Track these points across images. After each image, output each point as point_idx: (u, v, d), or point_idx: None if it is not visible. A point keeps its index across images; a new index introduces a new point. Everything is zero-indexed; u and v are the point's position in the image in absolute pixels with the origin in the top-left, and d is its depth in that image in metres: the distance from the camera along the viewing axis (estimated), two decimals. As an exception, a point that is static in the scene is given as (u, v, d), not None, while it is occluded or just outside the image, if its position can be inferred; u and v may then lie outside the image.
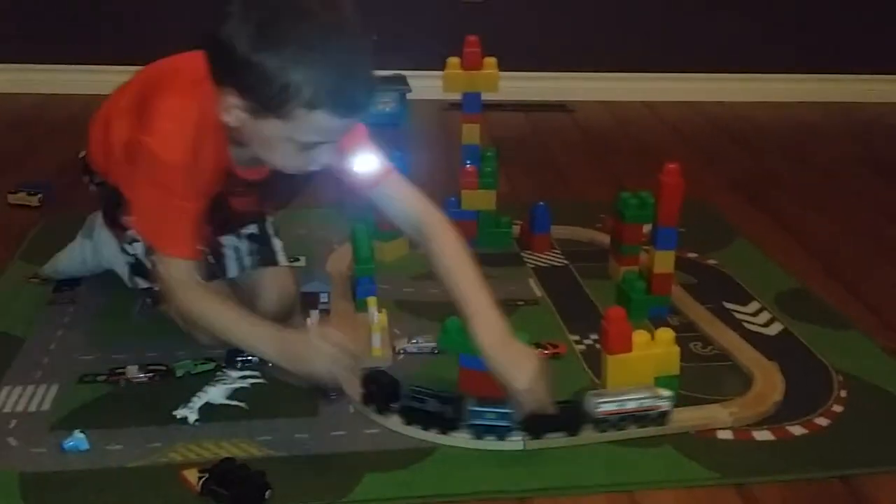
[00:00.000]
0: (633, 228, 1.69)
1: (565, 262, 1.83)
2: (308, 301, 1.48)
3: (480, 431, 1.21)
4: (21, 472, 1.14)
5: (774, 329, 1.57)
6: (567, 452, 1.21)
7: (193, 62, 1.21)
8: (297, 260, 1.73)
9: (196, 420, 1.25)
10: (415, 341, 1.46)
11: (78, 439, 1.19)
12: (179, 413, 1.25)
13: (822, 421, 1.30)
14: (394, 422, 1.24)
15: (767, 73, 3.24)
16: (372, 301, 1.48)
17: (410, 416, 1.23)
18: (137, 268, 1.44)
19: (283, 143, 1.17)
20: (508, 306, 1.61)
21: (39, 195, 2.04)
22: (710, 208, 2.13)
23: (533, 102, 3.07)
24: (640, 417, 1.24)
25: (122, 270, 1.51)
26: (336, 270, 1.72)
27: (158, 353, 1.42)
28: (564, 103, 3.12)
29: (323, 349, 1.17)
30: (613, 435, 1.23)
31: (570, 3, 3.09)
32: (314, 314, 1.45)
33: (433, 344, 1.44)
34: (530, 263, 1.82)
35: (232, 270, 1.50)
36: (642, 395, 1.24)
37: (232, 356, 1.40)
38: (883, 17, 3.21)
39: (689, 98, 3.15)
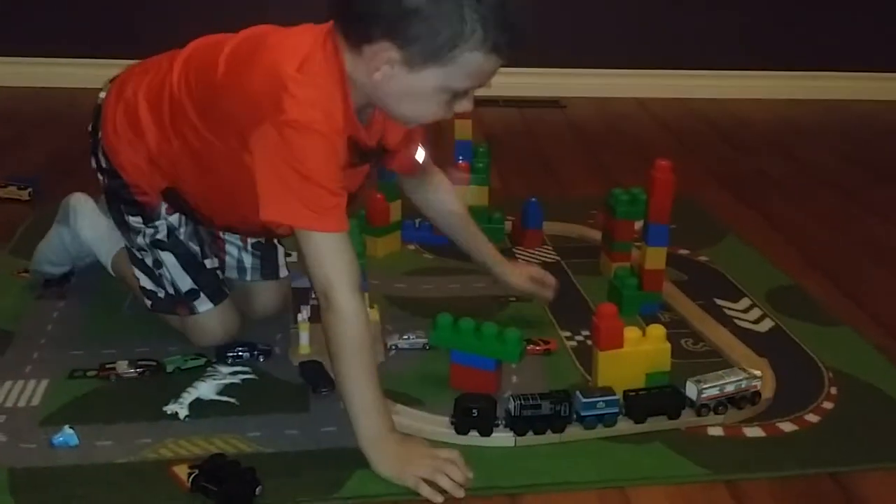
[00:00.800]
0: (624, 225, 1.70)
1: (557, 258, 1.83)
2: (299, 296, 1.47)
3: (592, 423, 1.22)
4: (10, 467, 1.13)
5: (765, 326, 1.57)
6: (557, 449, 1.21)
7: (281, 36, 1.18)
8: (290, 255, 1.72)
9: (186, 416, 1.24)
10: (406, 337, 1.46)
11: (67, 435, 1.18)
12: (169, 409, 1.25)
13: (813, 418, 1.30)
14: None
15: (757, 71, 3.25)
16: (363, 297, 1.47)
17: (524, 427, 1.20)
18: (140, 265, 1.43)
19: (436, 93, 1.14)
20: (500, 302, 1.62)
21: (29, 189, 2.03)
22: (700, 205, 2.14)
23: (525, 98, 3.07)
24: (737, 399, 1.27)
25: (105, 258, 1.51)
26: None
27: (149, 349, 1.42)
28: (557, 99, 3.12)
29: (428, 458, 1.12)
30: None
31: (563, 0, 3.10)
32: (305, 309, 1.44)
33: (424, 340, 1.44)
34: (522, 259, 1.82)
35: (230, 273, 1.50)
36: (739, 378, 1.27)
37: (223, 352, 1.40)
38: (872, 15, 3.22)
39: (679, 95, 3.16)
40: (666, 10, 3.12)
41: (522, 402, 1.20)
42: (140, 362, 1.36)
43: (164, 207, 1.38)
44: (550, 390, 1.24)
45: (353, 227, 1.64)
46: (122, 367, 1.35)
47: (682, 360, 1.42)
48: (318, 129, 1.11)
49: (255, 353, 1.41)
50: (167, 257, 1.40)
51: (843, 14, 3.21)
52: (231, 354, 1.40)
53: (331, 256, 1.13)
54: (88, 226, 1.55)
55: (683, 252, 1.85)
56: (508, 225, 1.93)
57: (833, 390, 1.37)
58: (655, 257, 1.59)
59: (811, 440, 1.25)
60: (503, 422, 1.21)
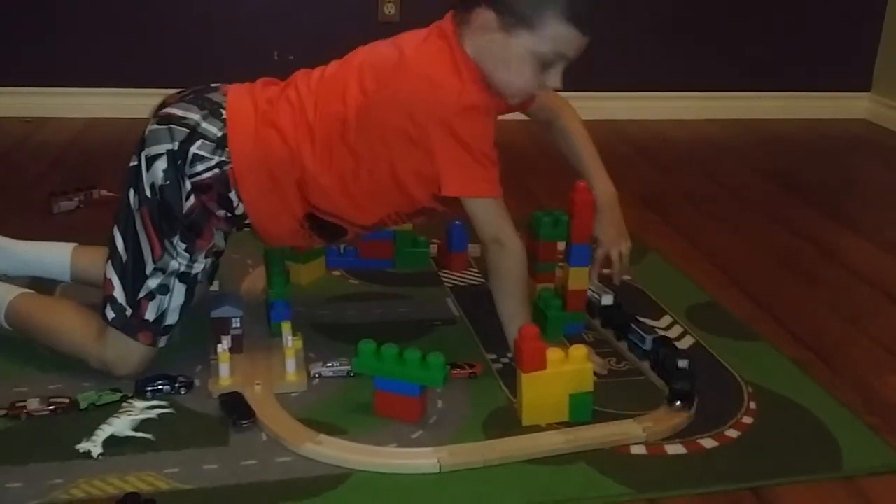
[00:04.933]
0: (547, 246, 1.71)
1: (482, 280, 1.83)
2: (219, 327, 1.44)
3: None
4: (-89, 515, 1.08)
5: (686, 342, 1.59)
6: (482, 473, 1.20)
7: (413, 46, 1.38)
8: (210, 283, 1.69)
9: (100, 454, 1.20)
10: (330, 365, 1.44)
11: (-27, 478, 1.13)
12: (82, 447, 1.21)
13: (733, 433, 1.32)
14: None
15: (678, 92, 3.32)
16: (286, 325, 1.45)
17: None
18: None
19: (527, 59, 1.34)
20: (425, 326, 1.61)
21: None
22: (624, 224, 2.16)
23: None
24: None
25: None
26: (250, 294, 1.70)
27: (62, 385, 1.37)
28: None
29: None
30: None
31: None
32: (225, 340, 1.41)
33: (348, 367, 1.42)
34: (448, 283, 1.82)
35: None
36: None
37: (141, 386, 1.36)
38: (787, 38, 3.33)
39: (602, 116, 3.20)
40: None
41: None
42: (52, 399, 1.32)
43: (205, 251, 1.42)
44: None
45: (276, 254, 1.64)
46: (34, 404, 1.31)
47: (605, 380, 1.43)
48: (479, 110, 1.34)
49: (177, 385, 1.37)
50: (179, 291, 1.41)
51: (760, 36, 3.31)
52: (151, 388, 1.36)
53: (500, 213, 1.40)
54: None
55: (606, 271, 1.87)
56: (434, 248, 1.93)
57: (752, 405, 1.40)
58: (578, 278, 1.60)
59: (732, 455, 1.27)
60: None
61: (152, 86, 1.43)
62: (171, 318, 1.42)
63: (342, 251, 1.86)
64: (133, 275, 1.39)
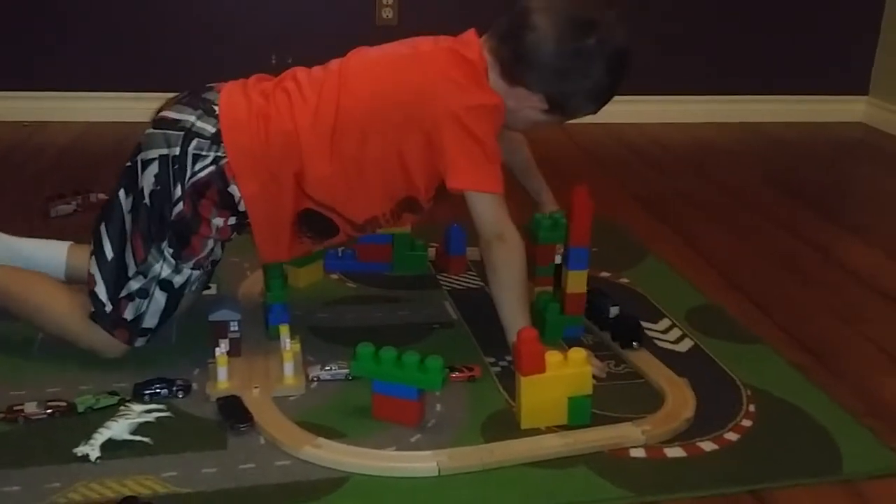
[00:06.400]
0: (546, 249, 1.70)
1: (481, 283, 1.83)
2: (217, 330, 1.44)
3: None
4: None
5: (685, 346, 1.59)
6: (481, 476, 1.20)
7: (426, 50, 1.44)
8: (209, 287, 1.68)
9: (98, 457, 1.20)
10: (328, 368, 1.44)
11: (-29, 482, 1.13)
12: (80, 450, 1.20)
13: (732, 436, 1.32)
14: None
15: (675, 95, 3.32)
16: (284, 329, 1.45)
17: None
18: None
19: (548, 123, 1.50)
20: (424, 329, 1.61)
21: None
22: (621, 228, 2.17)
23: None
24: None
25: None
26: (248, 297, 1.69)
27: (60, 389, 1.37)
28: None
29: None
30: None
31: (484, 27, 3.12)
32: (223, 343, 1.41)
33: (346, 370, 1.42)
34: (446, 286, 1.81)
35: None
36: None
37: (139, 390, 1.36)
38: (785, 42, 3.33)
39: (600, 120, 3.20)
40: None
41: None
42: (50, 403, 1.31)
43: (193, 261, 1.42)
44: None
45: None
46: (31, 408, 1.30)
47: (604, 383, 1.43)
48: (491, 108, 1.40)
49: (175, 388, 1.37)
50: (159, 297, 1.42)
51: (758, 40, 3.31)
52: (148, 392, 1.36)
53: (503, 210, 1.42)
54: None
55: (605, 274, 1.87)
56: (432, 252, 1.93)
57: (751, 408, 1.39)
58: (576, 281, 1.60)
59: (731, 458, 1.27)
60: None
61: (150, 90, 1.43)
62: (150, 322, 1.43)
63: (340, 254, 1.86)
64: (116, 274, 1.40)
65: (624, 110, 3.22)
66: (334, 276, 1.84)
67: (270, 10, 2.99)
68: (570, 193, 1.57)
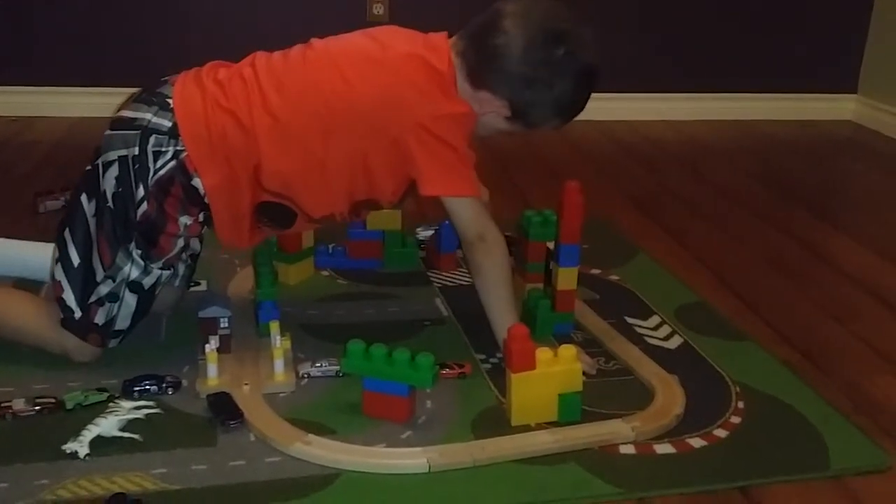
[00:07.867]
0: (536, 246, 1.71)
1: (471, 280, 1.82)
2: (207, 327, 1.43)
3: None
4: None
5: (674, 342, 1.60)
6: (472, 473, 1.20)
7: (399, 50, 1.41)
8: (198, 284, 1.68)
9: (87, 454, 1.19)
10: (318, 365, 1.44)
11: (-42, 479, 1.12)
12: (69, 447, 1.20)
13: (721, 432, 1.32)
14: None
15: (665, 93, 3.33)
16: (274, 325, 1.44)
17: None
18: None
19: (509, 131, 1.49)
20: (414, 326, 1.61)
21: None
22: (612, 225, 2.17)
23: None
24: None
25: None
26: (238, 294, 1.69)
27: (49, 385, 1.36)
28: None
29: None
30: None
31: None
32: (213, 340, 1.40)
33: (337, 367, 1.42)
34: (437, 283, 1.81)
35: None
36: None
37: (129, 386, 1.35)
38: (774, 40, 3.34)
39: (591, 117, 3.20)
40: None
41: None
42: (38, 399, 1.31)
43: (162, 261, 1.40)
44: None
45: (264, 254, 1.64)
46: (19, 404, 1.29)
47: (594, 380, 1.43)
48: (459, 116, 1.39)
49: (164, 385, 1.37)
50: (130, 299, 1.40)
51: (748, 38, 3.32)
52: (138, 389, 1.35)
53: (480, 211, 1.43)
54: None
55: (595, 272, 1.88)
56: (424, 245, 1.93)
57: (740, 405, 1.40)
58: (567, 277, 1.60)
59: (720, 455, 1.27)
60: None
61: (140, 86, 1.42)
62: (122, 325, 1.42)
63: (331, 250, 1.86)
64: (84, 279, 1.38)
65: (616, 108, 3.23)
66: (325, 273, 1.84)
67: (261, 5, 2.99)
68: (560, 190, 1.58)
